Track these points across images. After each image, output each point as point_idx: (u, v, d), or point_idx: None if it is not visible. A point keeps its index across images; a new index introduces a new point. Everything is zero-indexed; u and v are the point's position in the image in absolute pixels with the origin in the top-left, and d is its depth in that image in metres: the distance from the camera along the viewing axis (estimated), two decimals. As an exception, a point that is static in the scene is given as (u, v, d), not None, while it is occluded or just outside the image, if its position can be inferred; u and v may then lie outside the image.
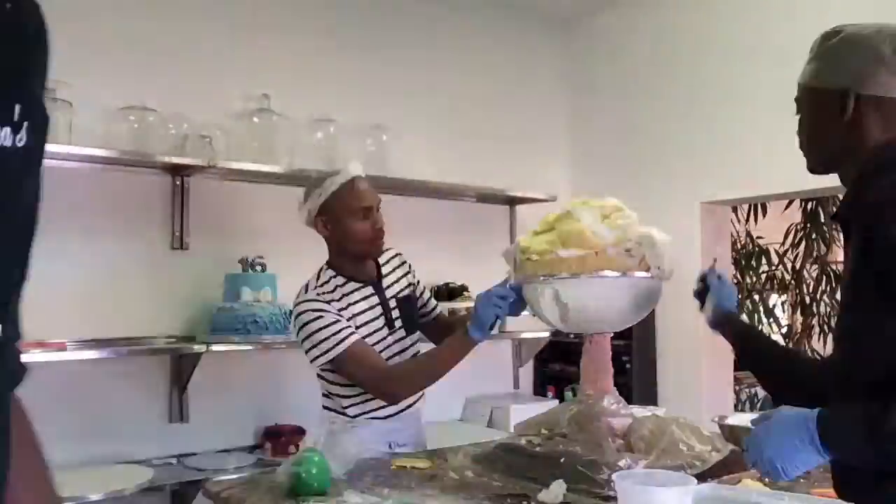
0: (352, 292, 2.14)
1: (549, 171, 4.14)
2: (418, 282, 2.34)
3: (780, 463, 1.20)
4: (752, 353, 1.70)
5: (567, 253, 1.80)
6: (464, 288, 3.61)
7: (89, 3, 2.88)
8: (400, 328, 2.20)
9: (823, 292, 5.32)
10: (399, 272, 2.28)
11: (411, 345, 2.23)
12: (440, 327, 2.31)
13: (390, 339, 2.17)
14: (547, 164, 4.15)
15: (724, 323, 1.75)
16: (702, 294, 1.83)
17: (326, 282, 2.14)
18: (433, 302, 2.40)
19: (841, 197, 1.33)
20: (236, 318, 2.84)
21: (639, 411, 1.97)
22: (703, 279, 1.83)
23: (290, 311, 2.19)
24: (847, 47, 1.30)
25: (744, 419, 2.08)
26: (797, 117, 1.41)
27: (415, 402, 2.20)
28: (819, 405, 1.21)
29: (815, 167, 1.39)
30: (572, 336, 3.12)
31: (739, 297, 5.17)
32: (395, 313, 2.20)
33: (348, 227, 2.12)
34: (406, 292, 2.26)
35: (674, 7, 3.81)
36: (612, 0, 4.01)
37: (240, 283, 2.92)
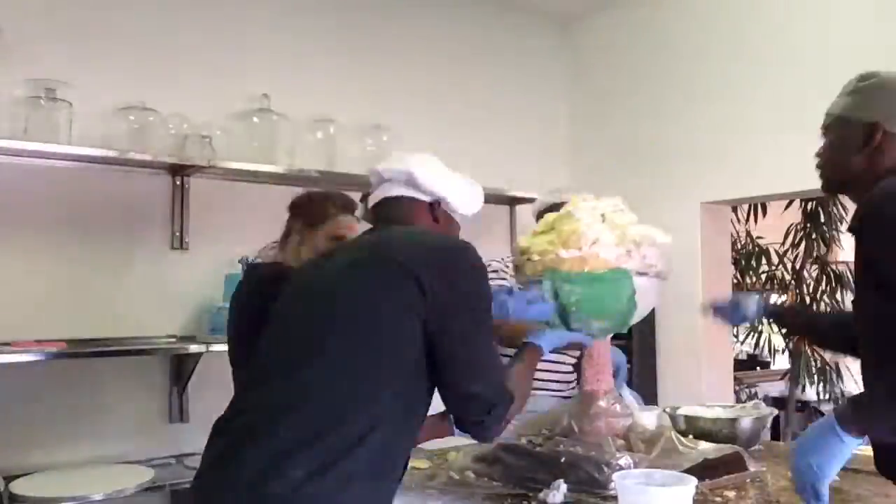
0: None
1: (549, 171, 4.13)
2: None
3: (815, 461, 1.30)
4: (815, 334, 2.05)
5: (568, 253, 1.80)
6: (464, 288, 3.60)
7: (89, 3, 2.88)
8: None
9: (823, 292, 5.30)
10: None
11: None
12: None
13: None
14: (547, 164, 4.15)
15: (780, 313, 2.03)
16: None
17: None
18: None
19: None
20: (236, 318, 2.83)
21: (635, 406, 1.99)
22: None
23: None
24: (880, 89, 1.49)
25: (698, 410, 2.20)
26: (822, 142, 1.56)
27: None
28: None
29: (831, 187, 1.58)
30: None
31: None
32: None
33: None
34: None
35: (674, 7, 3.80)
36: (612, 0, 4.01)
37: (240, 284, 2.92)
